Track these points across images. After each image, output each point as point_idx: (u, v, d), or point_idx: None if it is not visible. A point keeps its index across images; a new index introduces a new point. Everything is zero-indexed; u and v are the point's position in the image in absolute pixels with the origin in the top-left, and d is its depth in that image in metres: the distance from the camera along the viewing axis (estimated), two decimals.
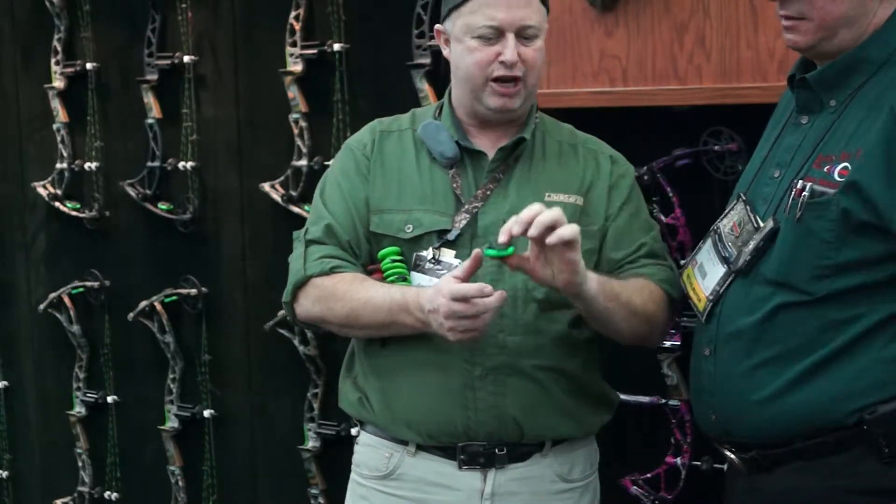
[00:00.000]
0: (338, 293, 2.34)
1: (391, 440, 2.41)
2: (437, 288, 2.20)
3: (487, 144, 2.41)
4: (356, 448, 2.51)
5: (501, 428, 2.34)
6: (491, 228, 2.34)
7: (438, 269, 2.34)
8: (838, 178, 2.04)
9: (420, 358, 2.34)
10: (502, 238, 2.13)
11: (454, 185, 2.38)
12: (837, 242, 2.04)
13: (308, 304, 2.39)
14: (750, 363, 2.12)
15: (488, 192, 2.38)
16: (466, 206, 2.36)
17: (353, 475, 2.51)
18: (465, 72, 2.36)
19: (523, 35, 2.32)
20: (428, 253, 2.35)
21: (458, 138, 2.40)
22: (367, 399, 2.42)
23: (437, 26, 2.43)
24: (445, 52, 2.42)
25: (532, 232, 2.10)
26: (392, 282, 2.34)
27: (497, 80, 2.33)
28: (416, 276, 2.36)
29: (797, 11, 2.12)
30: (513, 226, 2.12)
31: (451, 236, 2.35)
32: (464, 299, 2.14)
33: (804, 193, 2.07)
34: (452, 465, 2.37)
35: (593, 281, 2.22)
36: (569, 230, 2.11)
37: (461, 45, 2.35)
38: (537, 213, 2.11)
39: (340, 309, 2.34)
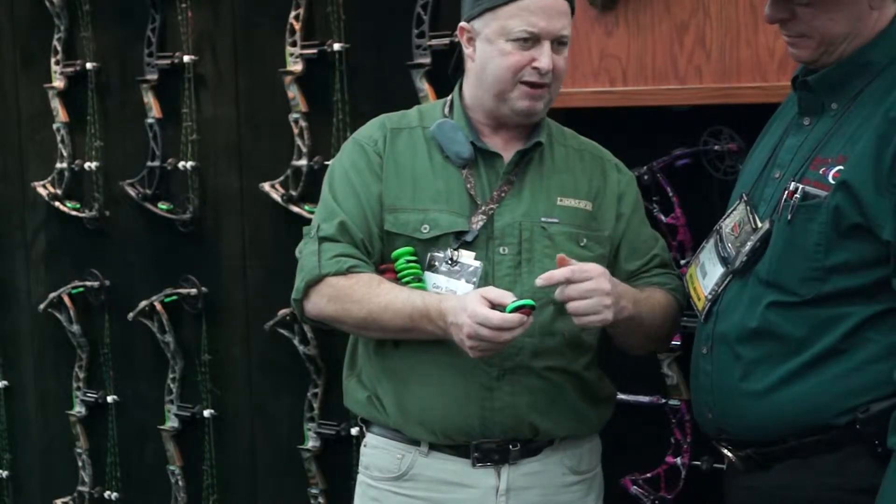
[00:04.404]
0: (355, 295, 2.33)
1: (402, 441, 2.41)
2: (463, 305, 2.19)
3: (500, 146, 2.41)
4: (363, 450, 2.50)
5: (517, 427, 2.35)
6: (507, 230, 2.35)
7: (455, 270, 2.34)
8: (832, 181, 2.05)
9: (436, 359, 2.34)
10: (539, 283, 2.20)
11: (468, 186, 2.38)
12: (826, 245, 2.05)
13: (322, 304, 2.37)
14: (743, 361, 2.13)
15: (503, 195, 2.38)
16: (483, 208, 2.36)
17: (361, 477, 2.50)
18: (493, 74, 2.34)
19: (556, 43, 2.32)
20: (445, 254, 2.35)
21: (473, 139, 2.40)
22: (378, 399, 2.42)
23: (462, 24, 2.38)
24: (468, 51, 2.39)
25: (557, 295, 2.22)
26: (406, 282, 2.34)
27: (526, 83, 2.33)
28: (430, 277, 2.35)
29: (797, 32, 2.14)
30: (550, 278, 2.20)
31: (468, 237, 2.35)
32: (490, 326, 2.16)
33: (796, 196, 2.08)
34: (466, 464, 2.37)
35: (625, 311, 2.26)
36: (586, 322, 2.22)
37: (492, 46, 2.33)
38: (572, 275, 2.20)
39: (358, 311, 2.33)
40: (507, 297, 2.18)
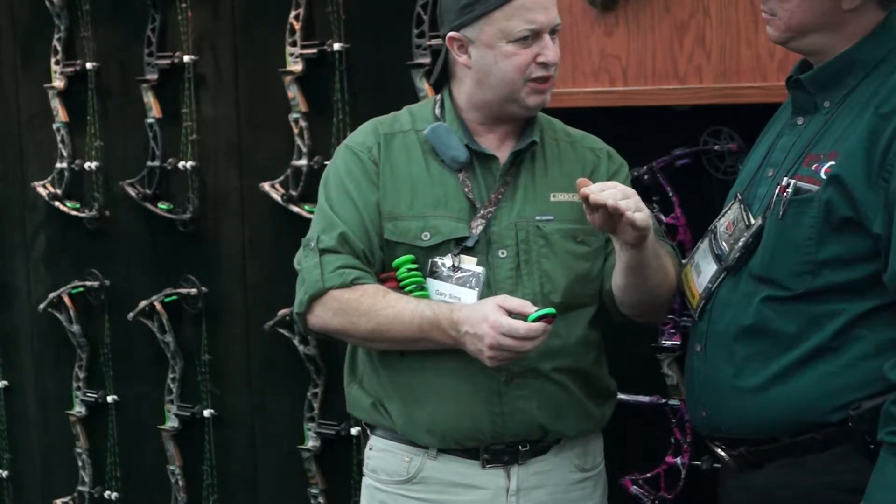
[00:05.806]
0: (361, 308, 2.31)
1: (409, 444, 2.40)
2: (483, 315, 2.19)
3: (494, 146, 2.41)
4: (369, 453, 2.49)
5: (527, 430, 2.35)
6: (504, 233, 2.35)
7: (458, 276, 2.33)
8: (823, 176, 2.06)
9: (444, 366, 2.33)
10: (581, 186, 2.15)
11: (466, 190, 2.37)
12: (818, 240, 2.06)
13: (327, 317, 2.35)
14: (736, 358, 2.14)
15: (499, 197, 2.37)
16: (482, 211, 2.36)
17: (368, 480, 2.49)
18: (500, 77, 2.33)
19: (552, 33, 2.34)
20: (447, 260, 2.34)
21: (467, 141, 2.39)
22: (383, 406, 2.41)
23: (452, 34, 2.35)
24: (462, 59, 2.36)
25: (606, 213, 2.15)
26: (409, 291, 2.33)
27: (534, 79, 2.33)
28: (432, 283, 2.35)
29: (769, 9, 2.17)
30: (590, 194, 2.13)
31: (469, 243, 2.34)
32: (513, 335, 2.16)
33: (788, 191, 2.09)
34: (475, 465, 2.37)
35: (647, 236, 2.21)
36: (640, 217, 2.12)
37: (493, 50, 2.32)
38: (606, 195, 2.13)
39: (365, 324, 2.31)
40: (528, 307, 2.18)
